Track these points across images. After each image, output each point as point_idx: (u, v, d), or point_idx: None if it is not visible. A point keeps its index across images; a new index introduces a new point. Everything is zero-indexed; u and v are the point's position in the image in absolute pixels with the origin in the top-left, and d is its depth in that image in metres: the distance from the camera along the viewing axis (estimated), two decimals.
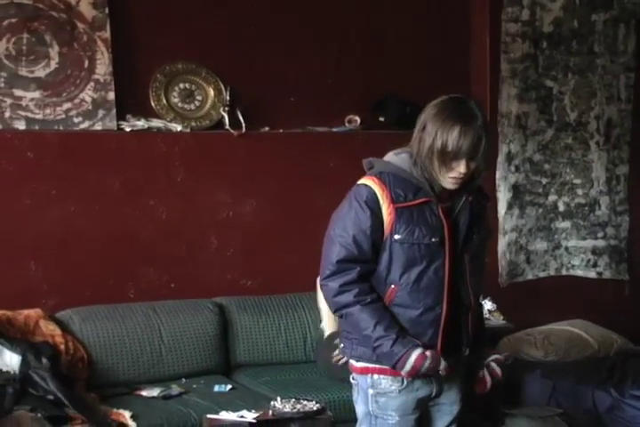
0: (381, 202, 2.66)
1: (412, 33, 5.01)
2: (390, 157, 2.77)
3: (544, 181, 5.26)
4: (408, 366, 2.63)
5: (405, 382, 2.72)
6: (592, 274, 5.43)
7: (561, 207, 5.33)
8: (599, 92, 5.34)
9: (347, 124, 4.82)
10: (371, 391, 2.75)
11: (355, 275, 2.67)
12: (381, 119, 4.88)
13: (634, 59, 5.38)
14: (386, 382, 2.73)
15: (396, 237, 2.65)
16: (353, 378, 2.84)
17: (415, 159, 2.69)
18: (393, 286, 2.68)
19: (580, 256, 5.38)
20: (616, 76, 5.37)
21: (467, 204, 2.73)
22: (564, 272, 5.37)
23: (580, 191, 5.36)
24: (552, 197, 5.30)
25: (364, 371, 2.77)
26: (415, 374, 2.67)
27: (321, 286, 2.74)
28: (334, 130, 4.81)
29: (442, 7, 5.06)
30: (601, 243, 5.43)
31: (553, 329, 4.94)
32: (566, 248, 5.36)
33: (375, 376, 2.74)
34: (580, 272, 5.40)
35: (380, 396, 2.74)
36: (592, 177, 5.38)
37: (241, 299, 4.52)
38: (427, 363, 2.63)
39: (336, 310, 2.71)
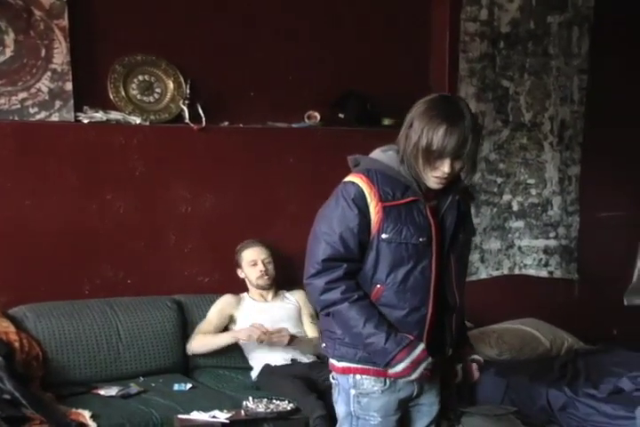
0: (369, 200, 2.61)
1: (371, 30, 4.98)
2: (377, 154, 2.72)
3: (499, 180, 5.29)
4: (408, 361, 2.59)
5: (388, 383, 2.69)
6: (544, 273, 5.48)
7: (515, 207, 5.37)
8: (553, 93, 5.38)
9: (306, 120, 4.76)
10: (353, 392, 2.72)
11: (341, 272, 2.62)
12: (341, 116, 4.83)
13: (587, 61, 5.43)
14: (368, 383, 2.69)
15: (384, 236, 2.61)
16: (333, 378, 2.80)
17: (402, 156, 2.65)
18: (379, 285, 2.64)
19: (532, 256, 5.43)
20: (569, 78, 5.42)
21: (453, 203, 2.70)
22: (516, 271, 5.41)
23: (533, 191, 5.40)
24: (506, 197, 5.33)
25: (345, 371, 2.73)
26: (412, 369, 2.62)
27: (306, 284, 2.68)
28: (294, 126, 4.75)
29: (402, 4, 5.04)
30: (552, 242, 5.48)
31: (506, 328, 4.98)
32: (519, 247, 5.40)
33: (357, 376, 2.70)
34: (532, 271, 5.44)
35: (363, 396, 2.71)
36: (545, 177, 5.42)
37: (200, 296, 4.44)
38: (425, 363, 2.61)
39: (323, 308, 2.66)
